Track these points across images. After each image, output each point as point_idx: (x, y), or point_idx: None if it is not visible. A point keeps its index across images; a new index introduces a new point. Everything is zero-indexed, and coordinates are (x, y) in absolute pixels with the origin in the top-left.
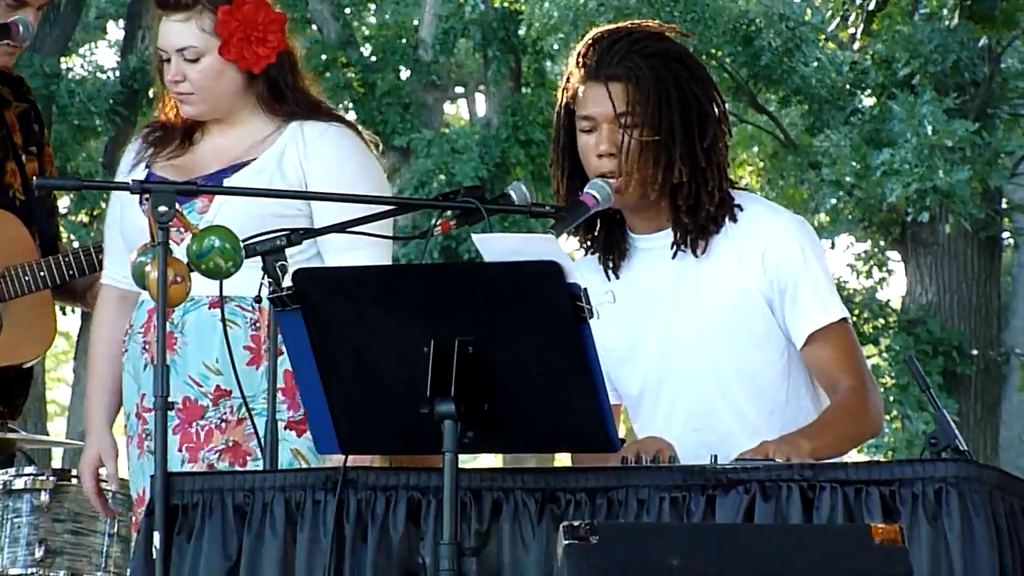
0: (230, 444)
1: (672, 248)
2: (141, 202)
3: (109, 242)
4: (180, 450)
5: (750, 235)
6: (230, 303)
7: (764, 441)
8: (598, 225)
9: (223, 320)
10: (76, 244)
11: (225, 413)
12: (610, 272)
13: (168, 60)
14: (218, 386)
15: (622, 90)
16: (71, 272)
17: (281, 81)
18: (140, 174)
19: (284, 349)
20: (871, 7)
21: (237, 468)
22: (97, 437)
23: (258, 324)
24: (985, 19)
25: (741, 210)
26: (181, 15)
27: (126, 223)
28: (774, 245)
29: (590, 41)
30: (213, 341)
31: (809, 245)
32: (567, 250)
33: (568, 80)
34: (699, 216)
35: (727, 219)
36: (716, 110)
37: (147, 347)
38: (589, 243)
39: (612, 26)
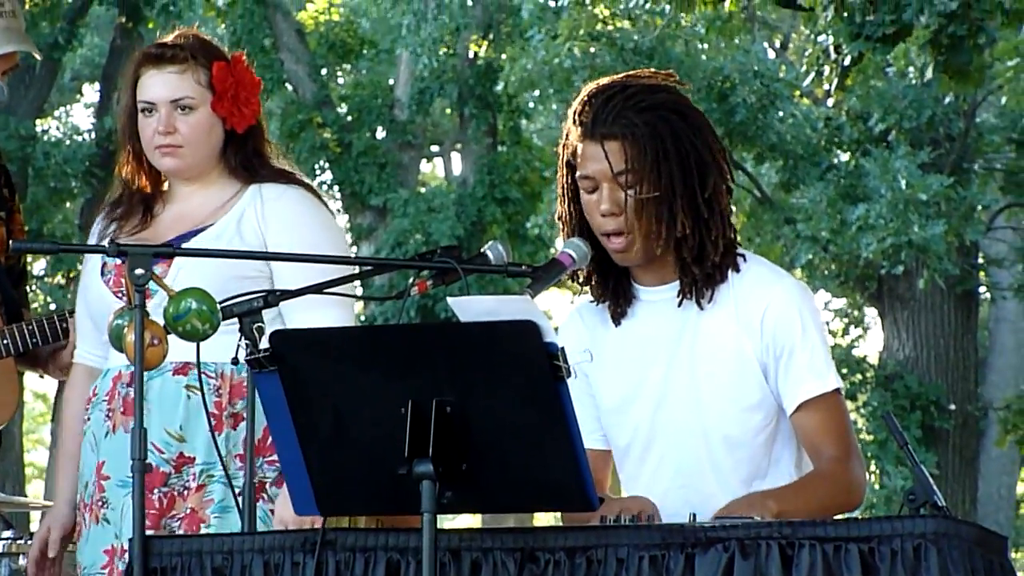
0: (188, 511)
1: (678, 298)
2: (103, 273)
3: (78, 320)
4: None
5: (750, 297)
6: (194, 370)
7: (731, 501)
8: (607, 275)
9: (200, 382)
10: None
11: (187, 480)
12: (614, 319)
13: (149, 112)
14: (181, 453)
15: (619, 148)
16: (34, 340)
17: (254, 146)
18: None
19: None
20: (846, 62)
21: (212, 532)
22: (59, 512)
23: (220, 391)
24: (959, 74)
25: (745, 260)
26: (176, 67)
27: (90, 295)
28: (773, 310)
29: (585, 98)
30: (176, 408)
31: (809, 312)
32: (568, 305)
33: (567, 137)
34: (705, 265)
35: (730, 269)
36: (716, 157)
37: (110, 415)
38: (597, 293)
39: (606, 80)
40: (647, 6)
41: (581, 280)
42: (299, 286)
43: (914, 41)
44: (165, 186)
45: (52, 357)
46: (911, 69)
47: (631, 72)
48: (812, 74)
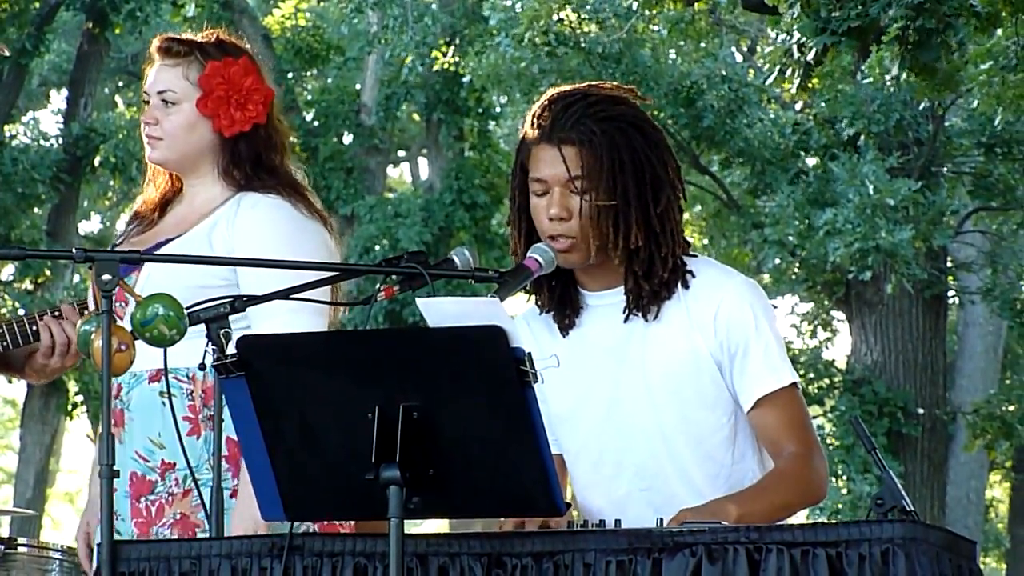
0: (178, 517)
1: (624, 311)
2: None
3: None
4: (134, 516)
5: (702, 298)
6: (167, 376)
7: (683, 509)
8: (552, 283)
9: (168, 390)
10: (21, 311)
11: (171, 486)
12: (561, 330)
13: (145, 103)
14: (163, 460)
15: (575, 154)
16: (4, 343)
17: (248, 153)
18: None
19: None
20: (810, 57)
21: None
22: (90, 509)
23: (194, 395)
24: (927, 72)
25: (694, 276)
26: (173, 61)
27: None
28: (726, 308)
29: (546, 102)
30: (155, 415)
31: (761, 309)
32: (512, 311)
33: (523, 140)
34: (652, 281)
35: (679, 285)
36: (670, 175)
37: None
38: (542, 302)
39: (568, 87)
40: (614, 6)
41: (526, 288)
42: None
43: (887, 38)
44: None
45: (28, 360)
46: (887, 79)
47: (593, 82)
48: (775, 72)
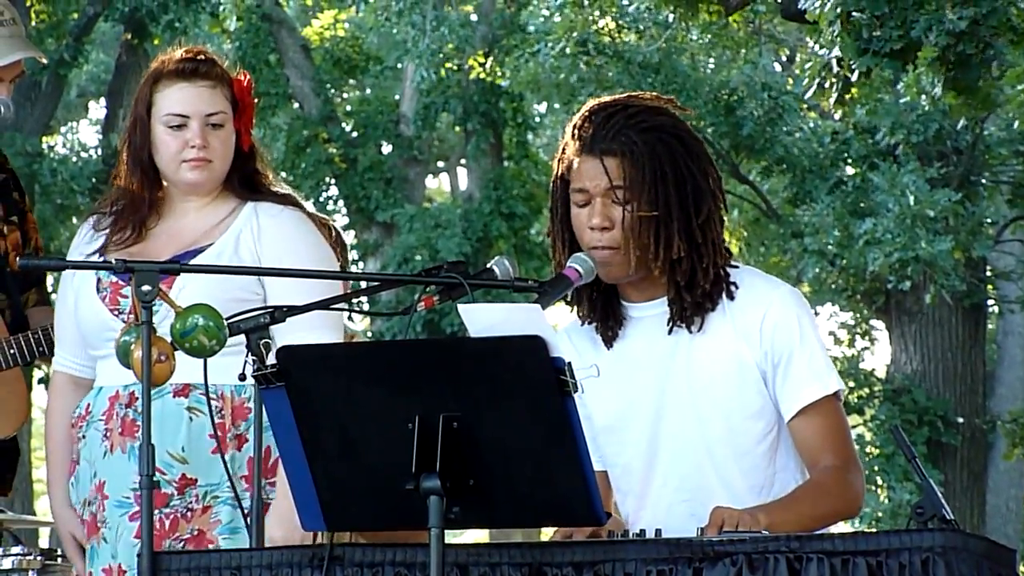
0: (195, 533)
1: (668, 323)
2: (98, 289)
3: (60, 328)
4: (137, 537)
5: (747, 308)
6: (195, 392)
7: (717, 507)
8: (593, 295)
9: (208, 401)
10: None
11: (191, 502)
12: (605, 342)
13: (179, 126)
14: (184, 475)
15: (617, 165)
16: (40, 349)
17: (255, 164)
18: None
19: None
20: (854, 77)
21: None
22: (66, 520)
23: (223, 412)
24: (968, 91)
25: (737, 287)
26: (209, 83)
27: (82, 311)
28: (771, 317)
29: (587, 113)
30: (179, 429)
31: (807, 318)
32: (555, 324)
33: (564, 151)
34: (695, 292)
35: (724, 296)
36: (711, 185)
37: (108, 434)
38: (584, 313)
39: (609, 98)
40: (650, 16)
41: (568, 300)
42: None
43: (922, 61)
44: (163, 200)
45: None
46: (923, 97)
47: (634, 92)
48: (814, 87)
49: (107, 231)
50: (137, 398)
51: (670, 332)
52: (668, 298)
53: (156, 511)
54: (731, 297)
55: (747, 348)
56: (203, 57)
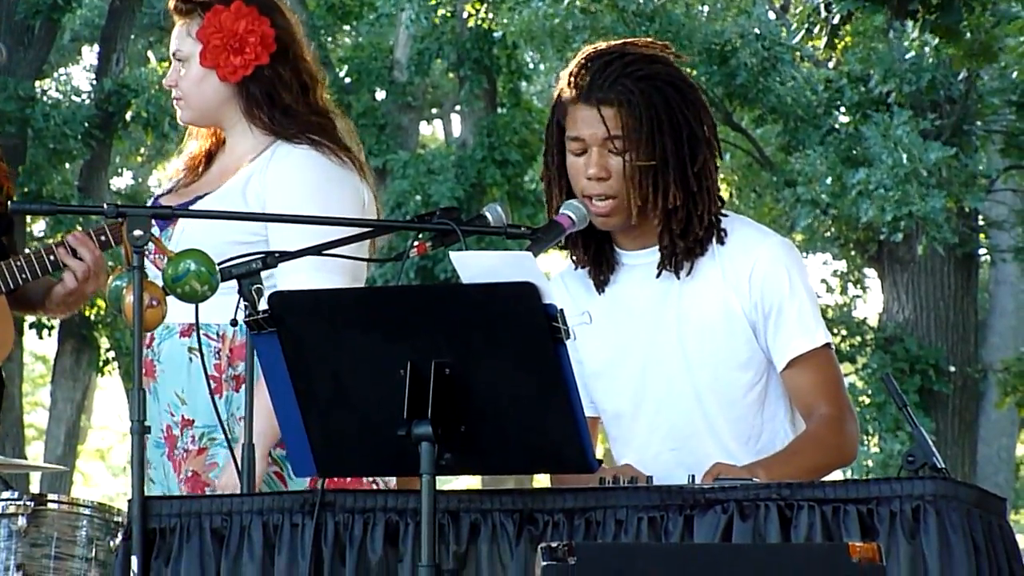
0: (189, 474)
1: (657, 268)
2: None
3: None
4: (177, 472)
5: (737, 257)
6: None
7: (717, 463)
8: (587, 240)
9: (199, 345)
10: None
11: (187, 443)
12: (597, 287)
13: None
14: (183, 415)
15: (613, 114)
16: (24, 276)
17: (259, 96)
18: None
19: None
20: (835, 20)
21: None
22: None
23: (220, 352)
24: (950, 33)
25: (727, 234)
26: (181, 20)
27: None
28: (761, 267)
29: (583, 61)
30: (181, 370)
31: (796, 269)
32: (549, 270)
33: (559, 98)
34: (688, 239)
35: (714, 241)
36: (706, 133)
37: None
38: (577, 257)
39: (604, 46)
40: None
41: (562, 244)
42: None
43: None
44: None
45: (47, 294)
46: (925, 48)
47: (629, 39)
48: (803, 31)
49: (186, 172)
50: (155, 339)
51: (658, 276)
52: (660, 244)
53: (174, 451)
54: (720, 242)
55: (736, 298)
56: None
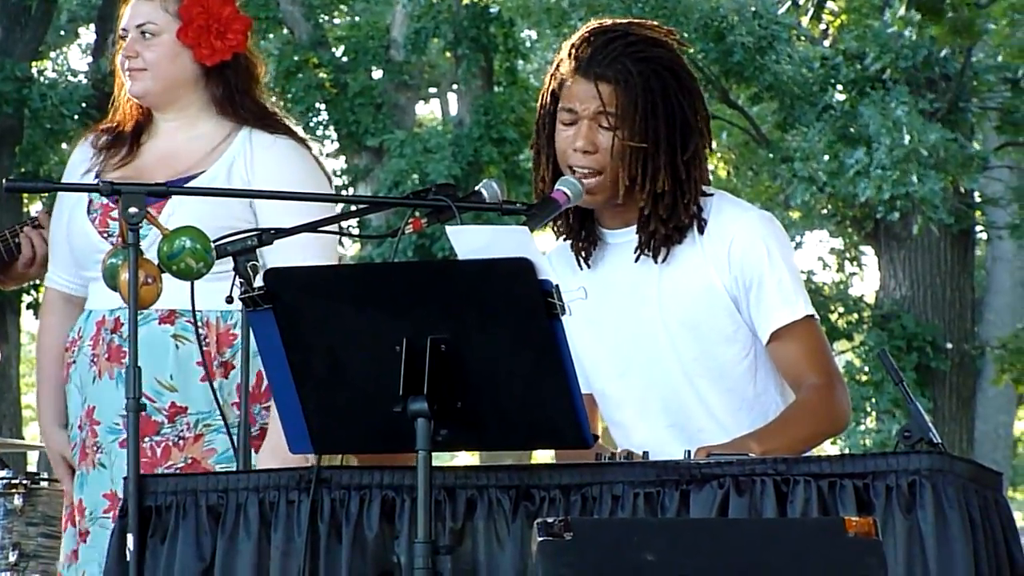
0: (189, 461)
1: (635, 252)
2: (89, 210)
3: (54, 245)
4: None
5: (716, 232)
6: (181, 319)
7: (702, 447)
8: (570, 214)
9: (197, 331)
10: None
11: (182, 430)
12: (582, 262)
13: (123, 39)
14: (173, 403)
15: (610, 91)
16: None
17: (234, 84)
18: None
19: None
20: None
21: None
22: (57, 440)
23: (208, 339)
24: (932, 11)
25: (707, 221)
26: None
27: (73, 229)
28: (739, 242)
29: (586, 35)
30: (166, 357)
31: (775, 242)
32: (541, 248)
33: (557, 68)
34: (670, 225)
35: (695, 229)
36: (699, 122)
37: (95, 360)
38: (560, 229)
39: (611, 23)
40: None
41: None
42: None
43: None
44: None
45: (7, 269)
46: (908, 27)
47: (636, 20)
48: (788, 3)
49: (104, 151)
50: (123, 323)
51: (636, 260)
52: (639, 227)
53: (147, 438)
54: (701, 231)
55: (716, 273)
56: None
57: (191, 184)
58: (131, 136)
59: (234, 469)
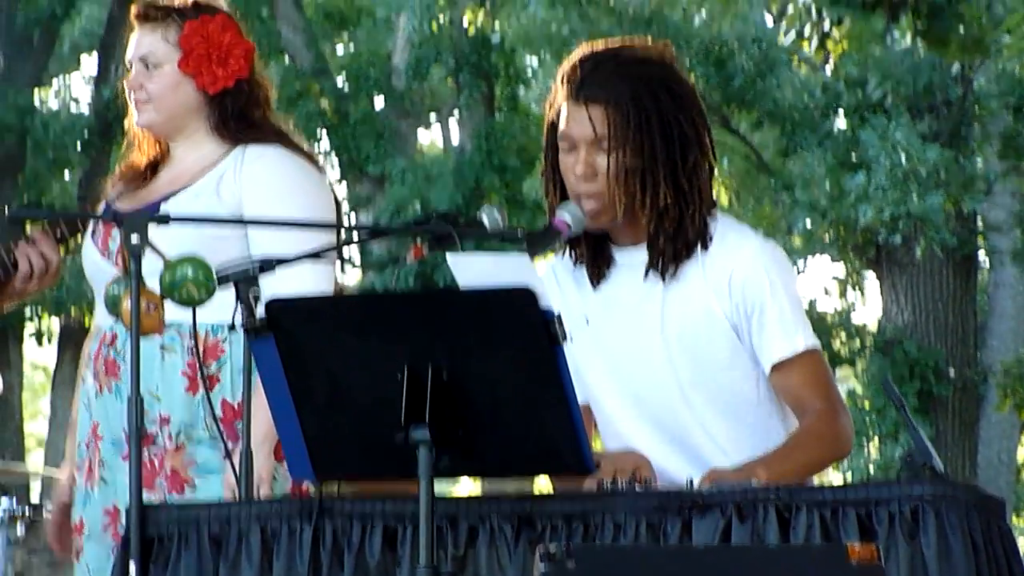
0: (169, 472)
1: (645, 269)
2: (93, 233)
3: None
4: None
5: (718, 260)
6: (168, 330)
7: (712, 469)
8: (586, 235)
9: (196, 350)
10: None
11: (164, 440)
12: (592, 282)
13: (128, 69)
14: (160, 413)
15: (601, 113)
16: None
17: (235, 108)
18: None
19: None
20: (826, 27)
21: (198, 495)
22: (67, 472)
23: (193, 351)
24: (939, 43)
25: (712, 239)
26: (149, 25)
27: (85, 257)
28: (741, 271)
29: (576, 60)
30: (153, 368)
31: (777, 272)
32: (543, 264)
33: (554, 96)
34: (679, 241)
35: (699, 246)
36: (699, 133)
37: (97, 375)
38: (577, 256)
39: (601, 46)
40: None
41: (554, 249)
42: (275, 248)
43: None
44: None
45: (2, 288)
46: (917, 45)
47: (627, 39)
48: (793, 32)
49: (126, 182)
50: (117, 336)
51: (645, 278)
52: (649, 245)
53: (144, 450)
54: (705, 247)
55: (716, 300)
56: (154, 4)
57: (179, 196)
58: (149, 165)
59: (214, 483)
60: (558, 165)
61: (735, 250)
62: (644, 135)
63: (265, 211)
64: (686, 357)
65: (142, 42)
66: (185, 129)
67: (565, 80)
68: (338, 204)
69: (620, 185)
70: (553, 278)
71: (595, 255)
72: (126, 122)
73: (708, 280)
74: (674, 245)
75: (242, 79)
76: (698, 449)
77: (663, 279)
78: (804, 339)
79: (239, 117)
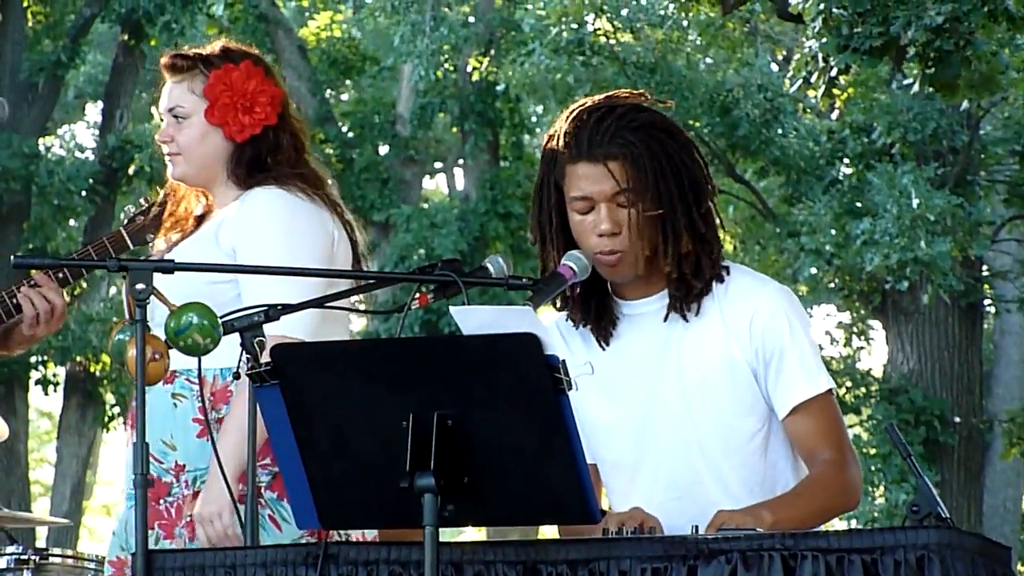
0: (188, 519)
1: (664, 312)
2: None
3: None
4: (153, 527)
5: (737, 304)
6: (180, 378)
7: (720, 511)
8: (587, 296)
9: (202, 393)
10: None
11: (182, 487)
12: (600, 341)
13: (161, 121)
14: (176, 461)
15: (619, 167)
16: None
17: (252, 155)
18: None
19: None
20: (833, 73)
21: (217, 546)
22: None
23: (201, 396)
24: (947, 88)
25: (728, 272)
26: (177, 77)
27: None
28: (761, 315)
29: (573, 118)
30: (167, 417)
31: (795, 316)
32: (546, 320)
33: (554, 158)
34: (699, 280)
35: (714, 281)
36: (705, 174)
37: (126, 427)
38: (576, 318)
39: (591, 102)
40: (645, 16)
41: (558, 305)
42: (262, 290)
43: (909, 62)
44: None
45: (6, 334)
46: (913, 89)
47: (611, 93)
48: (799, 80)
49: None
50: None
51: (665, 320)
52: (669, 288)
53: (161, 500)
54: (720, 280)
55: (737, 346)
56: (181, 53)
57: (183, 244)
58: (197, 217)
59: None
60: (564, 227)
61: (753, 295)
62: (661, 182)
63: (251, 250)
64: (706, 405)
65: (171, 94)
66: (219, 176)
67: (567, 141)
68: (355, 244)
69: (643, 236)
70: (558, 333)
71: (600, 313)
72: (131, 169)
73: (727, 324)
74: (696, 283)
75: (269, 125)
76: (709, 504)
77: (684, 319)
78: (826, 381)
79: (251, 163)
